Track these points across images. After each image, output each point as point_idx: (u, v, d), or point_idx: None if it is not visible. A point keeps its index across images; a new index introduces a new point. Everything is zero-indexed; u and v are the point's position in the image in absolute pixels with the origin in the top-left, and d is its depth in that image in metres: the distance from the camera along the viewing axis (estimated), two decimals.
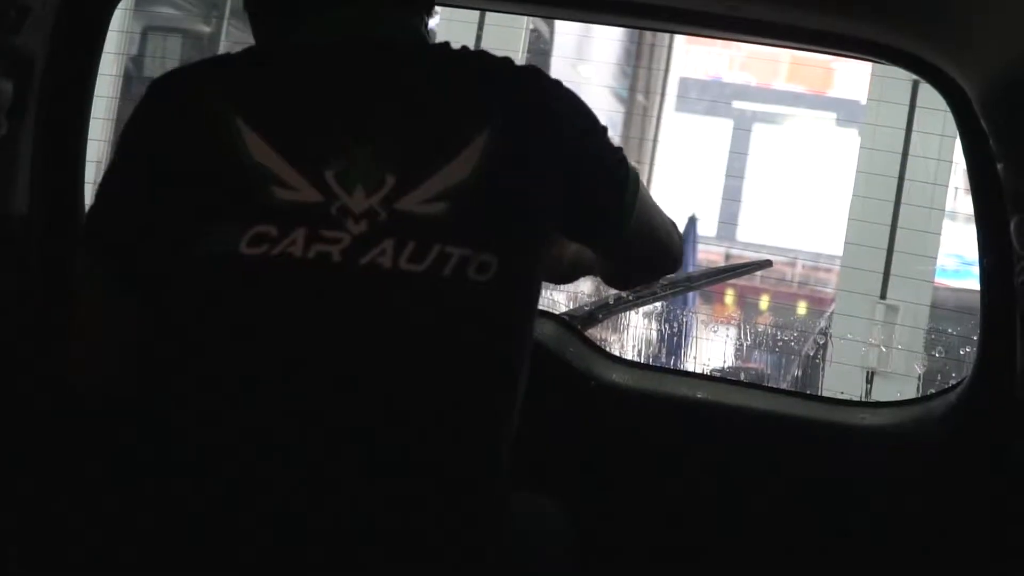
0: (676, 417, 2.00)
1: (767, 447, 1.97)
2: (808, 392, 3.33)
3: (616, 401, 2.00)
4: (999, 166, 1.76)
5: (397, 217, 1.12)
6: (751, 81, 9.68)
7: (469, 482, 1.18)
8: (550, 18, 3.67)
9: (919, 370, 3.40)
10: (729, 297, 9.01)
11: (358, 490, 1.12)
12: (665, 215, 1.41)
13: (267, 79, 1.20)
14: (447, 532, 1.15)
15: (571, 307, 2.20)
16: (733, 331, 3.81)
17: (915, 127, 3.55)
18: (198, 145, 1.15)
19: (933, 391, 2.20)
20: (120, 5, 1.97)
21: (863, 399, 3.36)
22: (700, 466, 1.96)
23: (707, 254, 7.85)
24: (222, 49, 4.85)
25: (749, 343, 3.35)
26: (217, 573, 1.11)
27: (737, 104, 9.47)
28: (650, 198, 1.36)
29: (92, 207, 1.21)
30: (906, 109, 3.54)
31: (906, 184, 3.52)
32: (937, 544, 1.93)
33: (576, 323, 2.08)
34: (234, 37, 4.93)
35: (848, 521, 1.94)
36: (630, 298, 2.17)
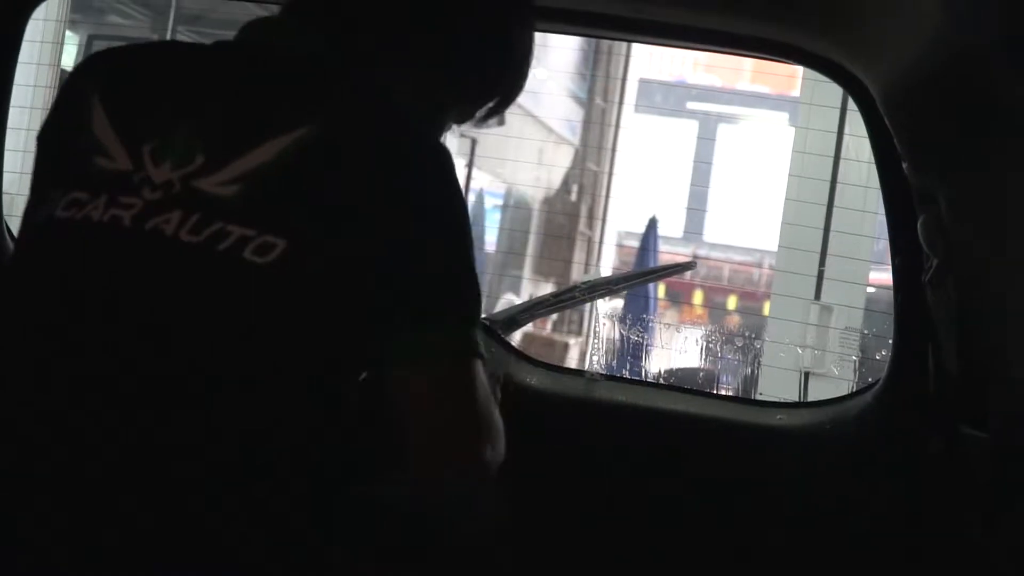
0: (593, 420, 2.00)
1: (684, 449, 1.97)
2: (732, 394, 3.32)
3: (534, 405, 2.00)
4: (904, 165, 1.77)
5: (190, 192, 1.15)
6: (716, 83, 9.70)
7: (222, 476, 1.11)
8: None
9: (836, 371, 3.41)
10: (698, 297, 9.03)
11: (105, 455, 1.09)
12: (492, 407, 1.21)
13: (134, 67, 1.29)
14: (188, 524, 1.10)
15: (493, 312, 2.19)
16: (693, 332, 3.77)
17: (847, 130, 3.55)
18: (62, 121, 1.27)
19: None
20: (55, 17, 1.96)
21: (801, 400, 3.37)
22: (616, 469, 1.96)
23: (673, 256, 7.80)
24: None
25: (689, 345, 3.32)
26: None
27: (700, 106, 9.48)
28: (479, 374, 1.18)
29: None
30: (837, 112, 3.55)
31: (838, 187, 3.53)
32: (854, 541, 1.93)
33: (497, 327, 2.07)
34: None
35: (764, 521, 1.95)
36: (551, 301, 2.18)
